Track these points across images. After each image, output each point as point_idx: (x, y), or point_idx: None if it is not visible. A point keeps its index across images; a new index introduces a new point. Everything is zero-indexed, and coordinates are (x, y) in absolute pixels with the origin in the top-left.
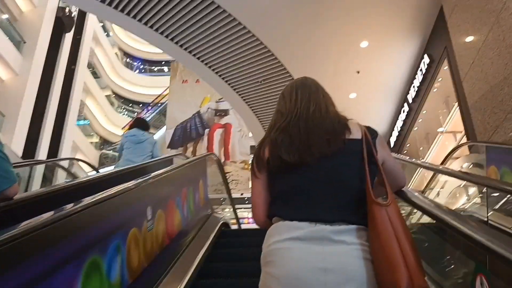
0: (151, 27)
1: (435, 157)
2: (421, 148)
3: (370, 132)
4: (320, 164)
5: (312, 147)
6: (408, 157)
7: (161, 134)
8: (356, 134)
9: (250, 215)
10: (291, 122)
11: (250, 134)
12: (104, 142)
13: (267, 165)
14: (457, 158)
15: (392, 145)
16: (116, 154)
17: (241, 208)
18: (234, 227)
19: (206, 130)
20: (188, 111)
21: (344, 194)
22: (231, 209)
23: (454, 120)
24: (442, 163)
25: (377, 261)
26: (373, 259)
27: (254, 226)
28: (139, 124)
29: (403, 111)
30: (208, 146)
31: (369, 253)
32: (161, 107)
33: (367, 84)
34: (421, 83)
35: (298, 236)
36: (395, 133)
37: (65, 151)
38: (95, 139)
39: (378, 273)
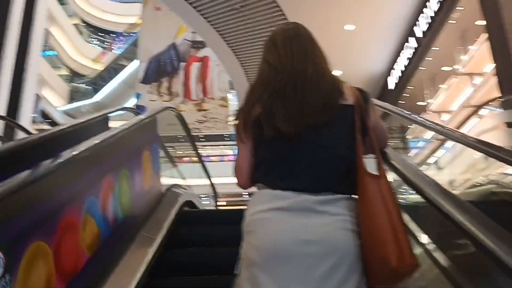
0: None
1: (446, 102)
2: (427, 92)
3: (362, 96)
4: (310, 131)
5: (307, 116)
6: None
7: (134, 67)
8: (349, 99)
9: (231, 152)
10: (287, 84)
11: None
12: (74, 75)
13: (254, 128)
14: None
15: (392, 86)
16: (89, 87)
17: (220, 146)
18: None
19: (182, 64)
20: (162, 43)
21: (331, 163)
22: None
23: (474, 59)
24: (469, 117)
25: (366, 234)
26: (360, 231)
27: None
28: None
29: (409, 47)
30: (185, 81)
31: (354, 223)
32: (134, 37)
33: (368, 13)
34: (436, 12)
35: (281, 206)
36: (396, 73)
37: (29, 85)
38: (64, 72)
39: (366, 248)
